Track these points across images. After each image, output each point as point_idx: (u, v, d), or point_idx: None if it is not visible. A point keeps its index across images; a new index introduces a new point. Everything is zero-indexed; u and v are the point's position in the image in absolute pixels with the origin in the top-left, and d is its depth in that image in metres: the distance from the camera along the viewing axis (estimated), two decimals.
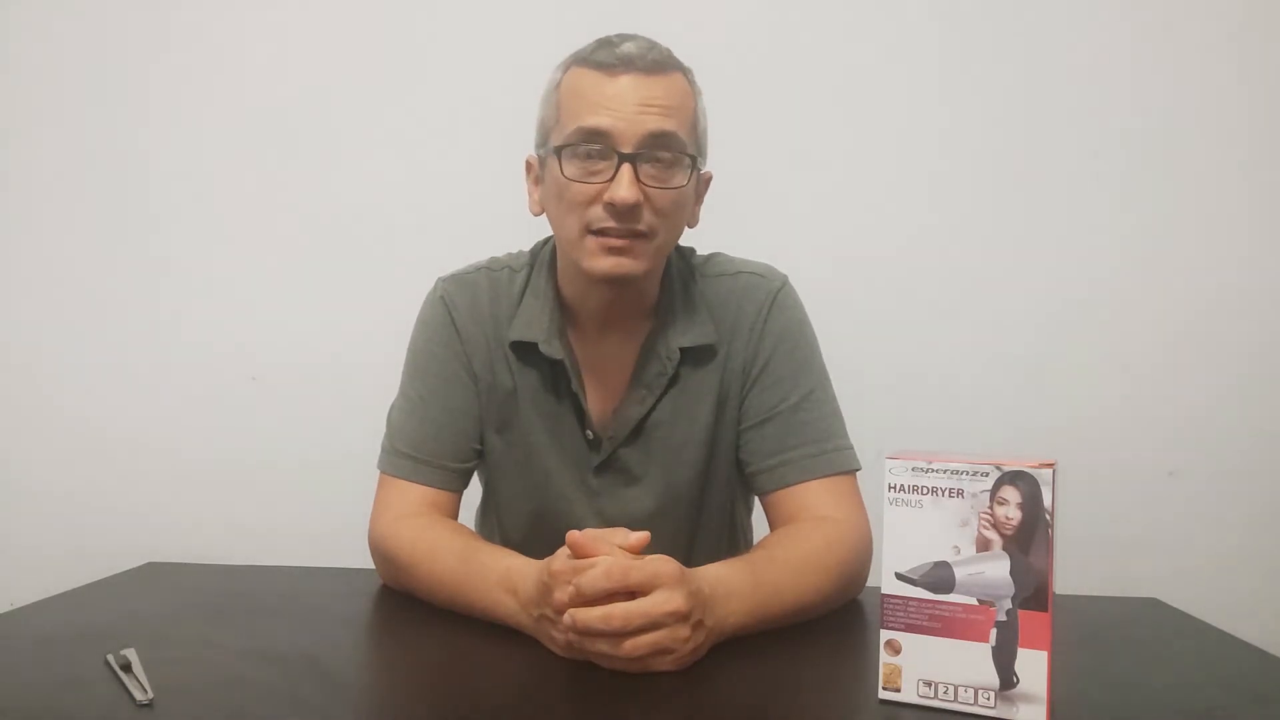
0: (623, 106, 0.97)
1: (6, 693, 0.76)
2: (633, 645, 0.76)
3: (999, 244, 1.70)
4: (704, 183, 1.10)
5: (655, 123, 0.97)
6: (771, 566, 0.92)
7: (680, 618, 0.77)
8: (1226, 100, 1.67)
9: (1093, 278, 1.69)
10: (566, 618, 0.77)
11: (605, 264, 0.99)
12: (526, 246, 1.17)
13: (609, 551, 0.80)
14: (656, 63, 0.99)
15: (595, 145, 0.97)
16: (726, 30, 1.69)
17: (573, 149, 0.98)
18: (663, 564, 0.79)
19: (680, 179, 1.00)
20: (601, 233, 0.98)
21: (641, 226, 0.98)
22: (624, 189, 0.95)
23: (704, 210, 1.10)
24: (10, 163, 1.76)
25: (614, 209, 0.97)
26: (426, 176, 1.73)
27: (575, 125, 0.98)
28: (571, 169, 0.98)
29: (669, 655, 0.78)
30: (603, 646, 0.77)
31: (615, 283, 1.01)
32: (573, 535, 0.82)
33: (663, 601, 0.77)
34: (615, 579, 0.77)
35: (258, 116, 1.74)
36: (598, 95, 0.98)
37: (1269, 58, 1.66)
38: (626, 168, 0.96)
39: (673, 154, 0.99)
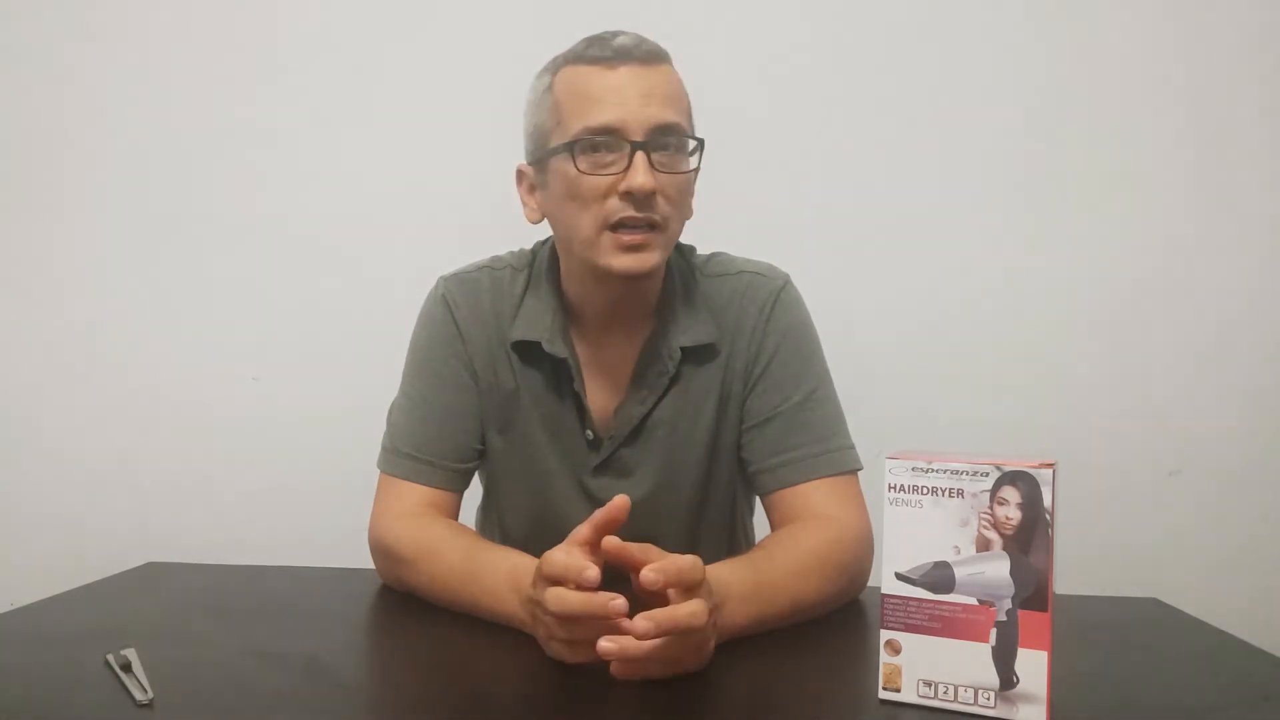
0: (626, 98, 0.97)
1: (6, 693, 0.76)
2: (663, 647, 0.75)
3: (1003, 245, 1.70)
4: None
5: (659, 112, 0.97)
6: (773, 567, 0.92)
7: (703, 626, 0.76)
8: (1227, 107, 1.67)
9: (1096, 279, 1.69)
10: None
11: (625, 261, 0.99)
12: (528, 245, 1.17)
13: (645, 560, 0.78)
14: (651, 53, 1.00)
15: (606, 138, 0.97)
16: (725, 30, 1.69)
17: (584, 144, 0.98)
18: (692, 569, 0.77)
19: (688, 164, 1.01)
20: (618, 226, 0.98)
21: (657, 216, 0.98)
22: (641, 175, 0.96)
23: (705, 210, 1.10)
24: (19, 163, 1.76)
25: (632, 197, 0.97)
26: (428, 175, 1.73)
27: (582, 124, 0.98)
28: (584, 164, 0.98)
29: (688, 659, 0.77)
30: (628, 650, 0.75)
31: (634, 279, 1.01)
32: (611, 545, 0.79)
33: (697, 612, 0.75)
34: (663, 625, 0.74)
35: (259, 117, 1.74)
36: (600, 90, 0.98)
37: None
38: (640, 155, 0.96)
39: (679, 140, 0.99)
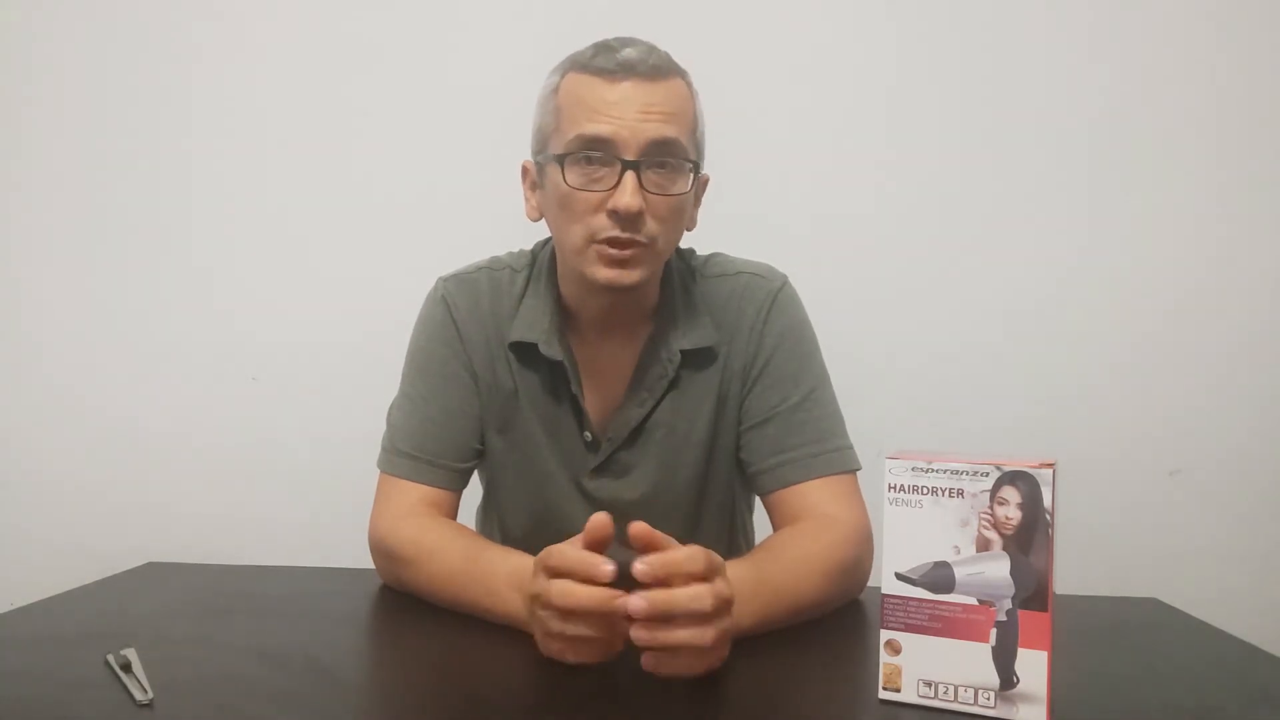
0: (624, 113, 0.96)
1: (6, 693, 0.76)
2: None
3: (1002, 244, 1.70)
4: (702, 185, 1.09)
5: (657, 130, 0.96)
6: (773, 567, 0.92)
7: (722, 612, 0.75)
8: (1223, 95, 1.67)
9: (1097, 277, 1.69)
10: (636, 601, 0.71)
11: (607, 275, 0.99)
12: (527, 246, 1.17)
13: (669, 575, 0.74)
14: (657, 68, 0.98)
15: (597, 153, 0.97)
16: (720, 30, 1.69)
17: (574, 157, 0.98)
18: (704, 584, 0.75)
19: (682, 185, 0.99)
20: (606, 242, 0.98)
21: (642, 237, 0.98)
22: (627, 196, 0.95)
23: (704, 211, 1.10)
24: (18, 163, 1.76)
25: (618, 217, 0.96)
26: (427, 175, 1.73)
27: (576, 133, 0.97)
28: (574, 177, 0.98)
29: (702, 653, 0.75)
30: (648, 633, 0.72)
31: (616, 292, 1.01)
32: (641, 564, 0.74)
33: (698, 595, 0.73)
34: (657, 605, 0.71)
35: (258, 117, 1.74)
36: (598, 102, 0.97)
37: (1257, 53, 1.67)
38: (630, 175, 0.96)
39: (675, 160, 0.98)
